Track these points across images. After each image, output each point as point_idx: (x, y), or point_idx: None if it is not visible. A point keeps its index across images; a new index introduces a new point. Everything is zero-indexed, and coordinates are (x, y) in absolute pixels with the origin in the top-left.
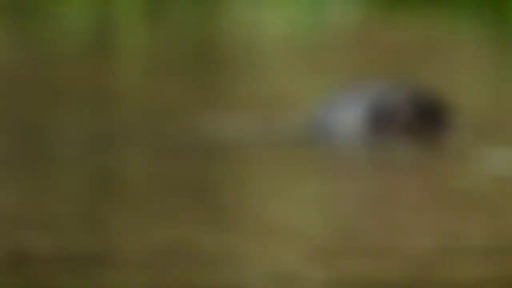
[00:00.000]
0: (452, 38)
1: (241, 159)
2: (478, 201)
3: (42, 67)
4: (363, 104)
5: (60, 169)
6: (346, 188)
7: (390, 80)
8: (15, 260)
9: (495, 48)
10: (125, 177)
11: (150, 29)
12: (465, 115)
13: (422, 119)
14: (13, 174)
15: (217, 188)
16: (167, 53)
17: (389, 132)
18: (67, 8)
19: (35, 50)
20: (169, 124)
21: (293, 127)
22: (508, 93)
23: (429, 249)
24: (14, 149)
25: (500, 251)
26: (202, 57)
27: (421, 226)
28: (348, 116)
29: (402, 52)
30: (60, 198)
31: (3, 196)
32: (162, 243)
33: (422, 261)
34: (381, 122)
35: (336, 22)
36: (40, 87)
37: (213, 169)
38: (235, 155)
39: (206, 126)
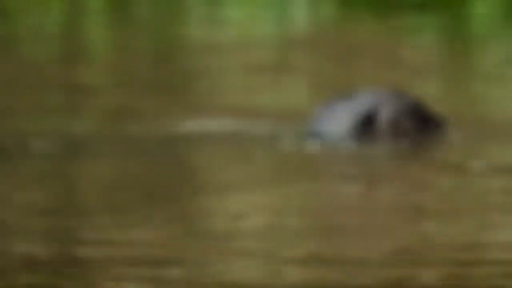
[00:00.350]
0: (415, 38)
1: (220, 162)
2: (465, 205)
3: (6, 67)
4: (353, 110)
5: (31, 172)
6: (331, 193)
7: (378, 87)
8: None
9: (457, 50)
10: (93, 181)
11: (115, 29)
12: (452, 120)
13: (413, 125)
14: None
15: (192, 192)
16: (133, 53)
17: (378, 137)
18: (33, 6)
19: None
20: (136, 127)
21: (273, 130)
22: (485, 96)
23: (413, 253)
24: None
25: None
26: (168, 57)
27: (404, 230)
28: (339, 122)
29: (367, 53)
30: (31, 203)
31: None
32: (142, 246)
33: (407, 266)
34: (371, 127)
35: (301, 21)
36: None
37: (189, 172)
38: (211, 158)
39: (177, 129)
